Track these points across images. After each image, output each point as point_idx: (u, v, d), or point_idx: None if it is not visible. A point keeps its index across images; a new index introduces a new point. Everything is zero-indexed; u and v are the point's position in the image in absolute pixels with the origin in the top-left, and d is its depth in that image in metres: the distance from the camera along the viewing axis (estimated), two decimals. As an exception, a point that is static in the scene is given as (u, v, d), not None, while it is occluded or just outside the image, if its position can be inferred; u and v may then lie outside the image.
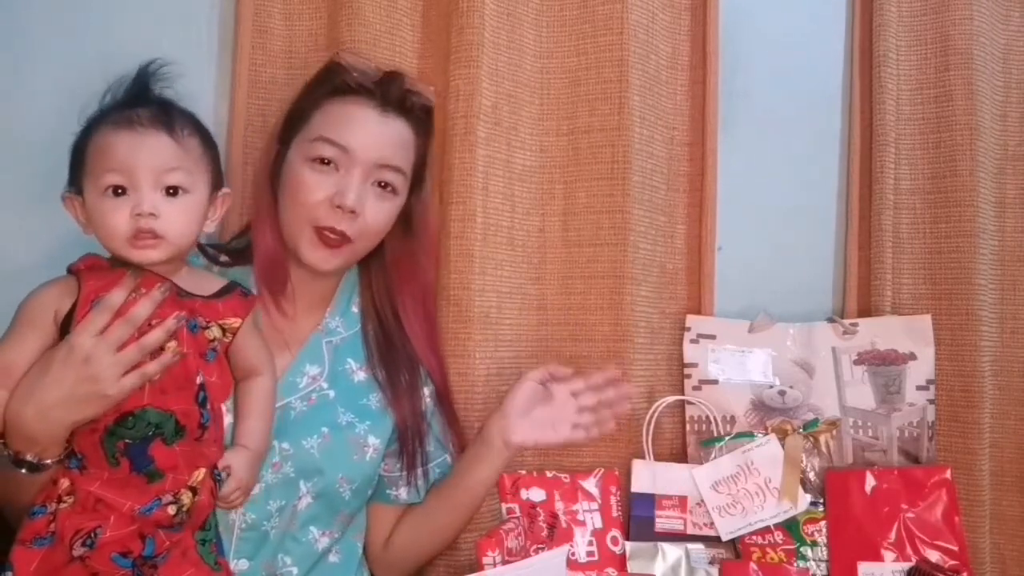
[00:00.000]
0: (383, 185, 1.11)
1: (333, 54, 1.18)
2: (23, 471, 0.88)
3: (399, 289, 1.20)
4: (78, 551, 0.87)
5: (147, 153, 0.90)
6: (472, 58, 1.27)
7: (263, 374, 1.02)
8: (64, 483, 0.89)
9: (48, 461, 0.88)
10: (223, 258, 1.11)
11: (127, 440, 0.88)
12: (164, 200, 0.90)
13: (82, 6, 1.22)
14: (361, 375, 1.16)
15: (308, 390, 1.12)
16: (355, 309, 1.20)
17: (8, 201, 1.18)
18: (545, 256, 1.37)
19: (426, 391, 1.21)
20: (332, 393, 1.13)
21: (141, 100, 0.95)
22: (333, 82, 1.13)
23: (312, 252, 1.08)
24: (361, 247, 1.12)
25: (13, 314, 0.90)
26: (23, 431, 0.87)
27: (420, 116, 1.17)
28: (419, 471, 1.18)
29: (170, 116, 0.94)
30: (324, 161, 1.08)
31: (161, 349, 0.89)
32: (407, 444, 1.16)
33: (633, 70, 1.34)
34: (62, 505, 0.89)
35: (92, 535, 0.87)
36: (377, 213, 1.10)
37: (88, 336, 0.86)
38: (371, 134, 1.10)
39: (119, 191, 0.89)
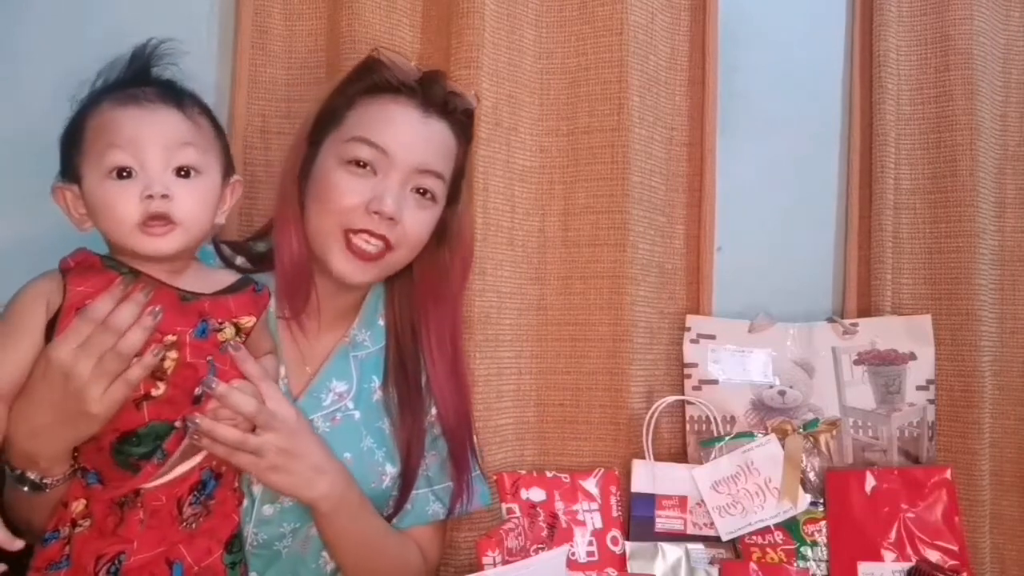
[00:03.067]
0: (422, 192, 1.02)
1: (372, 50, 1.08)
2: (25, 489, 0.84)
3: (423, 306, 1.11)
4: None
5: (157, 128, 0.82)
6: (472, 59, 1.27)
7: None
8: (77, 506, 0.84)
9: (50, 480, 0.84)
10: (239, 260, 1.03)
11: (136, 456, 0.83)
12: (176, 181, 0.82)
13: (81, 7, 1.22)
14: (378, 395, 1.10)
15: (333, 408, 1.05)
16: (381, 322, 1.12)
17: (8, 203, 1.19)
18: (545, 256, 1.37)
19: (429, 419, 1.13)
20: (358, 414, 1.06)
21: (141, 81, 0.86)
22: (371, 79, 1.04)
23: (343, 263, 1.00)
24: (399, 257, 1.03)
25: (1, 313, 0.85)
26: (20, 450, 0.83)
27: (462, 120, 1.08)
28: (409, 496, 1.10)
29: (178, 92, 0.86)
30: (360, 164, 1.00)
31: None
32: (408, 473, 1.08)
33: (632, 70, 1.34)
34: (77, 529, 0.84)
35: (116, 561, 0.82)
36: (416, 222, 1.02)
37: (66, 349, 0.79)
38: (412, 136, 1.02)
39: (125, 173, 0.80)
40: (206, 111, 0.89)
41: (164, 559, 0.84)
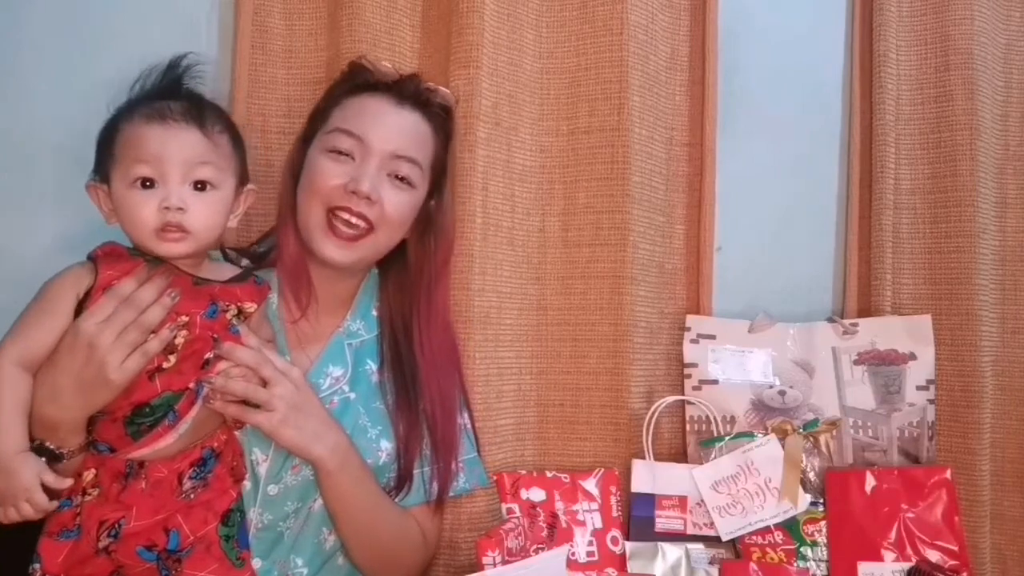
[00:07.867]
0: (399, 177, 1.10)
1: (356, 57, 1.19)
2: (43, 460, 0.89)
3: (416, 297, 1.17)
4: (103, 542, 0.90)
5: (178, 147, 0.91)
6: (472, 58, 1.27)
7: None
8: (88, 475, 0.92)
9: (66, 451, 0.90)
10: (244, 262, 1.11)
11: (147, 425, 0.91)
12: (192, 195, 0.92)
13: (82, 7, 1.22)
14: (376, 377, 1.16)
15: (330, 391, 1.11)
16: (375, 313, 1.19)
17: (14, 203, 1.19)
18: (545, 256, 1.38)
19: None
20: (353, 395, 1.13)
21: (172, 93, 0.96)
22: (354, 80, 1.15)
23: (325, 245, 1.07)
24: (382, 238, 1.10)
25: (32, 299, 0.92)
26: (41, 417, 0.89)
27: (438, 113, 1.17)
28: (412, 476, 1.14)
29: (202, 111, 0.95)
30: (340, 152, 1.08)
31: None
32: (406, 454, 1.13)
33: (633, 70, 1.35)
34: (87, 498, 0.91)
35: (116, 526, 0.90)
36: (395, 203, 1.09)
37: (93, 322, 0.89)
38: (386, 125, 1.10)
39: (147, 183, 0.90)
40: (227, 127, 0.98)
41: (162, 527, 0.92)
